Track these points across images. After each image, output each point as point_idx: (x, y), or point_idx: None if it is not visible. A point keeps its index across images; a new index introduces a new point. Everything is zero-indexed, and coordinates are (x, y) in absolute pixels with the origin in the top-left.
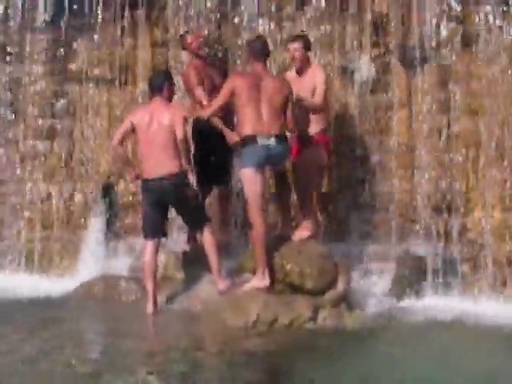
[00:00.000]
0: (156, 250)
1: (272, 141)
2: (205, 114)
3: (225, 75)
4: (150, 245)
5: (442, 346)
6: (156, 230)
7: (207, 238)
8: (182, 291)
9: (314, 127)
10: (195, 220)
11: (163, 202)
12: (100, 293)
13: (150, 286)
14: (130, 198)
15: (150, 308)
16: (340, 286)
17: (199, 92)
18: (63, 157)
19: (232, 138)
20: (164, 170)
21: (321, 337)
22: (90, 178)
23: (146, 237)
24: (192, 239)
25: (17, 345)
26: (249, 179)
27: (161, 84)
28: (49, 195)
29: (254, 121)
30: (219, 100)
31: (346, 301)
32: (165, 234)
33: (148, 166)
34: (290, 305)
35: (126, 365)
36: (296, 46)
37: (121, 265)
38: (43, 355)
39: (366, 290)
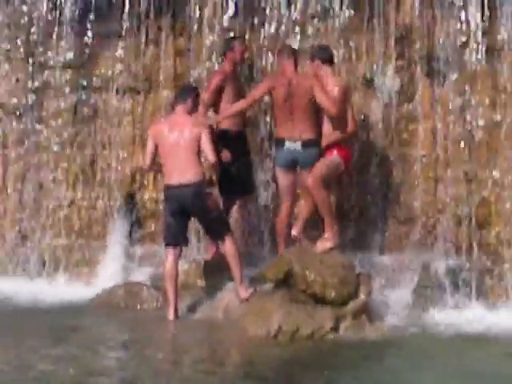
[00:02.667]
0: (177, 258)
1: (298, 145)
2: (240, 105)
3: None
4: (171, 253)
5: (462, 359)
6: (177, 238)
7: (229, 247)
8: (203, 299)
9: (330, 137)
10: (216, 229)
11: (184, 210)
12: (121, 300)
13: (170, 293)
14: (152, 206)
15: (170, 316)
16: (362, 296)
17: (207, 97)
18: (86, 164)
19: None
20: (185, 178)
21: (342, 348)
22: (112, 185)
23: (167, 245)
24: (213, 247)
25: (38, 352)
26: (277, 177)
27: (187, 94)
28: (71, 202)
29: (285, 124)
30: (254, 94)
31: (368, 312)
32: (186, 243)
33: (170, 174)
34: (312, 315)
35: (146, 374)
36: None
37: (142, 272)
38: (64, 363)
39: (388, 301)
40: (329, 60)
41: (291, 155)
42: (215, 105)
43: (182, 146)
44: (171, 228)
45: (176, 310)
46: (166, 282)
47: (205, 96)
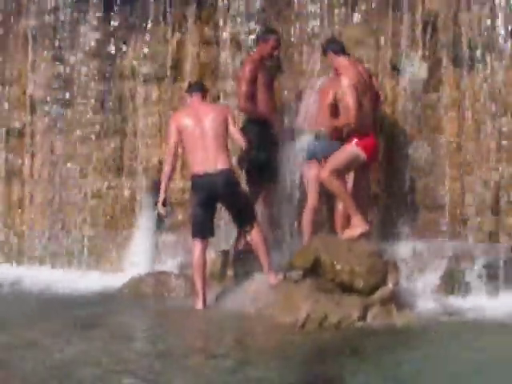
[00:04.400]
0: (205, 249)
1: (310, 136)
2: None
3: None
4: (198, 244)
5: (492, 345)
6: (205, 229)
7: (256, 235)
8: (232, 288)
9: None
10: (244, 217)
11: (212, 200)
12: (149, 289)
13: (199, 283)
14: (179, 195)
15: (199, 305)
16: (389, 284)
17: (245, 88)
18: (113, 153)
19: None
20: (214, 167)
21: (370, 336)
22: (139, 174)
23: (194, 236)
24: (242, 237)
25: (68, 342)
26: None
27: (201, 86)
28: (99, 191)
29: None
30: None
31: (396, 299)
32: (213, 234)
33: (198, 163)
34: (340, 303)
35: (175, 364)
36: None
37: (170, 261)
38: (93, 353)
39: (416, 288)
40: (342, 50)
41: (311, 146)
42: (251, 96)
43: (209, 134)
44: (198, 220)
45: (204, 300)
46: (194, 272)
47: (241, 88)
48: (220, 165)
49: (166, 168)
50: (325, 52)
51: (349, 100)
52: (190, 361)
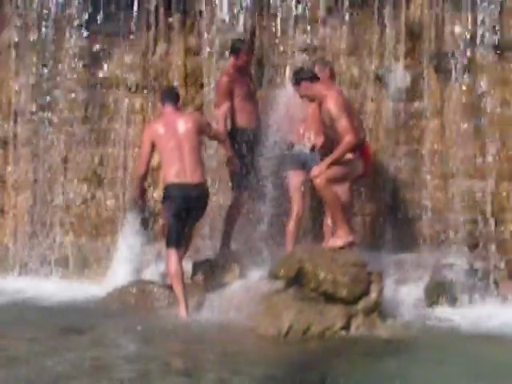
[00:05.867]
0: (181, 257)
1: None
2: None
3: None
4: (174, 253)
5: (476, 356)
6: (180, 240)
7: (191, 236)
8: (214, 298)
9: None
10: (195, 223)
11: (186, 210)
12: (132, 298)
13: (179, 291)
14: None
15: (183, 312)
16: (373, 294)
17: (223, 107)
18: (97, 162)
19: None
20: (191, 179)
21: (353, 346)
22: (123, 184)
23: (170, 246)
24: (224, 245)
25: (49, 351)
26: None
27: (174, 96)
28: (83, 201)
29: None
30: None
31: (379, 310)
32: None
33: (174, 174)
34: (323, 313)
35: (156, 372)
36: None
37: (154, 270)
38: (75, 363)
39: (400, 298)
40: (316, 77)
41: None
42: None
43: (185, 146)
44: (174, 230)
45: (187, 306)
46: (173, 281)
47: (217, 100)
48: (196, 178)
49: (137, 177)
50: (298, 83)
51: (342, 123)
52: (170, 376)
